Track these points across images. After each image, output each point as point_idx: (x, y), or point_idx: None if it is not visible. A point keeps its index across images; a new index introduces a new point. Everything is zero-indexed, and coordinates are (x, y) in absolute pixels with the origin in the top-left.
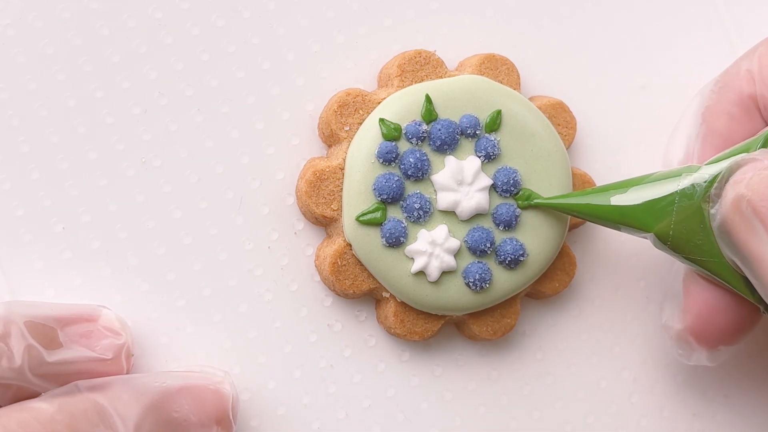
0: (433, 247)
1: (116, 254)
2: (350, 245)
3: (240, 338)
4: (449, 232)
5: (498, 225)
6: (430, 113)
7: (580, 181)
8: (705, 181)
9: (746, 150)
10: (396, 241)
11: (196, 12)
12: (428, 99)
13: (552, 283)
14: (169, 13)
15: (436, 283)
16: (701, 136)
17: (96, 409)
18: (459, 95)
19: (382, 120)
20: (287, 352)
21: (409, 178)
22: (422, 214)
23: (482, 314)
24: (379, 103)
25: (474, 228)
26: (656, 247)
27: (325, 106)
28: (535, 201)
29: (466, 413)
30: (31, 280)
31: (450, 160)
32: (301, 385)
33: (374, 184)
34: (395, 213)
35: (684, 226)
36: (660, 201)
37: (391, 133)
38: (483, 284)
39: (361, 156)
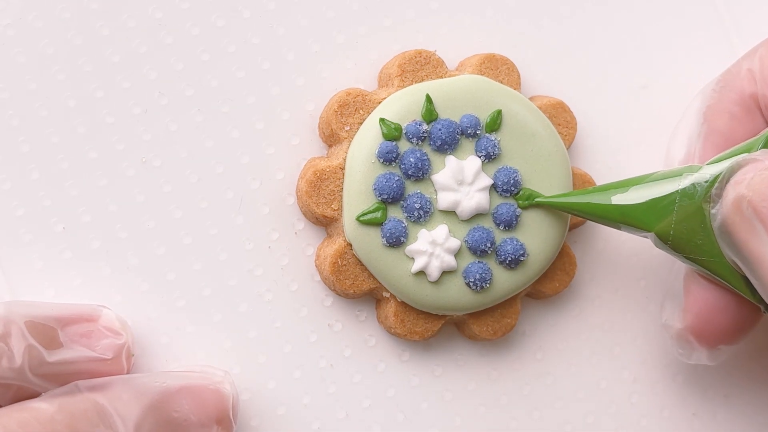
0: (433, 246)
1: (116, 254)
2: (350, 245)
3: (240, 338)
4: (449, 232)
5: (498, 225)
6: (430, 113)
7: (581, 181)
8: (706, 181)
9: (747, 150)
10: (396, 241)
11: (196, 12)
12: (428, 99)
13: (552, 283)
14: (169, 13)
15: (436, 283)
16: (702, 136)
17: (96, 409)
18: (459, 95)
19: (382, 120)
20: (287, 352)
21: (409, 178)
22: (423, 214)
23: (482, 314)
24: (380, 102)
25: (474, 228)
26: (657, 247)
27: (326, 106)
28: (537, 200)
29: (466, 413)
30: (31, 280)
31: (450, 160)
32: (301, 385)
33: (375, 184)
34: (395, 213)
35: (685, 226)
36: (661, 200)
37: (392, 132)
38: (483, 284)
39: (361, 156)
